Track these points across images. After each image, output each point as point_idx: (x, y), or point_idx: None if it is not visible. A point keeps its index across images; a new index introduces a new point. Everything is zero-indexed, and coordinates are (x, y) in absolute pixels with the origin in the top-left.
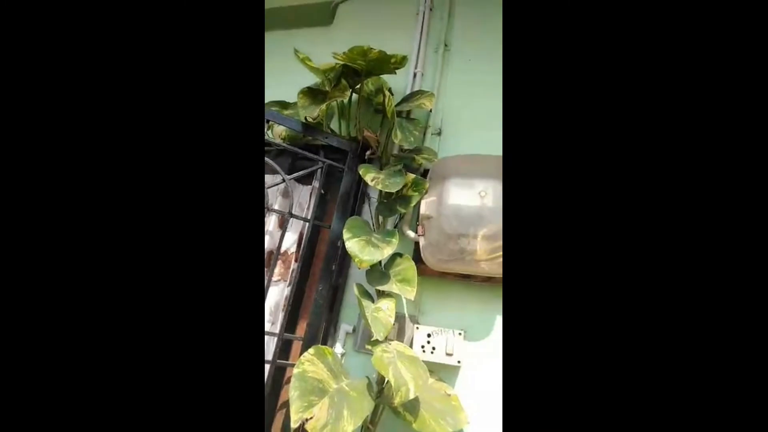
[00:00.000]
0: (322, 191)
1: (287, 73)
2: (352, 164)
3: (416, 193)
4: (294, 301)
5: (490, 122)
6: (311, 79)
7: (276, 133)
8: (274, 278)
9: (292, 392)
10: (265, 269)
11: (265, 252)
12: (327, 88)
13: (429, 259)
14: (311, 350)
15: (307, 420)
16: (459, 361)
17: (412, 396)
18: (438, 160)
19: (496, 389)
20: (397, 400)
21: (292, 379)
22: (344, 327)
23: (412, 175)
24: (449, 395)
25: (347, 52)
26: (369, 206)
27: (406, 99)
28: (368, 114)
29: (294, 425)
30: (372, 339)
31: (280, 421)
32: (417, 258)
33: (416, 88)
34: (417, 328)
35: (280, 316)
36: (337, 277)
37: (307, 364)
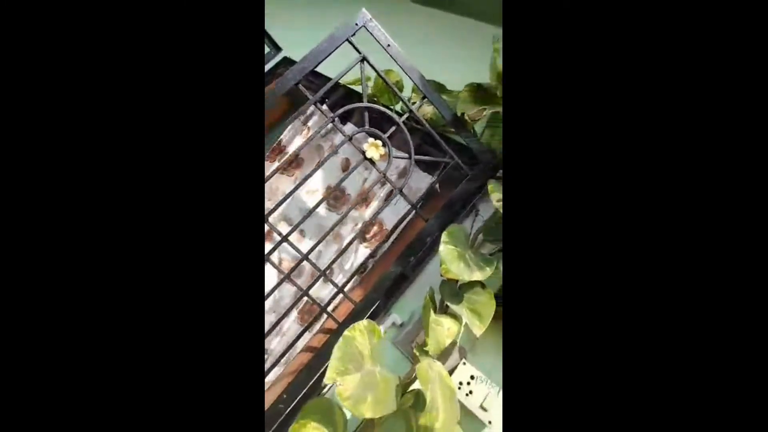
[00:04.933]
0: (438, 187)
1: (455, 59)
2: (479, 174)
3: None
4: (366, 271)
5: None
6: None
7: (423, 110)
8: (363, 244)
9: (336, 352)
10: (356, 239)
11: (363, 221)
12: (496, 92)
13: None
14: (365, 322)
15: (337, 383)
16: (490, 422)
17: (438, 426)
18: None
19: None
20: (422, 421)
21: (341, 340)
22: (394, 317)
23: None
24: None
25: None
26: (473, 220)
27: None
28: None
29: (327, 382)
30: (421, 344)
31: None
32: (497, 299)
33: None
34: (464, 363)
35: (352, 278)
36: (410, 270)
37: (358, 333)
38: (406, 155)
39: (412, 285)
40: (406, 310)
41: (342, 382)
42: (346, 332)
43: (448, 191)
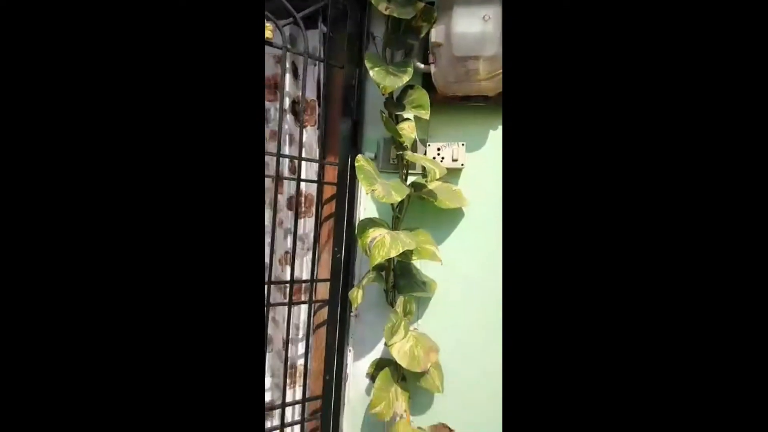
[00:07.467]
0: (330, 34)
1: None
2: (353, 2)
3: (426, 23)
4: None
5: None
6: None
7: None
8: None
9: (360, 175)
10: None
11: (292, 99)
12: None
13: (439, 83)
14: (359, 157)
15: (374, 191)
16: (462, 164)
17: (439, 176)
18: None
19: (490, 185)
20: (430, 178)
21: (357, 169)
22: (367, 154)
23: (421, 4)
24: (454, 190)
25: None
26: (375, 46)
27: None
28: None
29: (367, 192)
30: (398, 152)
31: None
32: (425, 87)
33: None
34: (429, 145)
35: (317, 151)
36: (356, 111)
37: (363, 162)
38: (291, 20)
39: (364, 123)
40: (371, 143)
41: (376, 189)
42: (356, 164)
43: (344, 33)
